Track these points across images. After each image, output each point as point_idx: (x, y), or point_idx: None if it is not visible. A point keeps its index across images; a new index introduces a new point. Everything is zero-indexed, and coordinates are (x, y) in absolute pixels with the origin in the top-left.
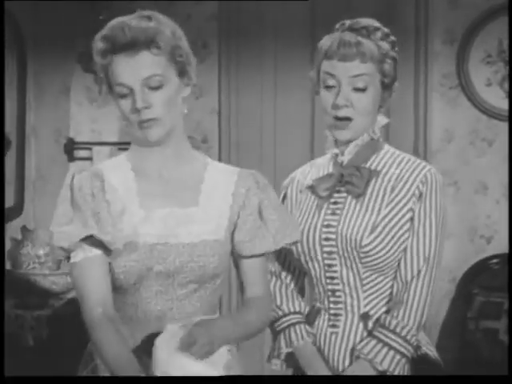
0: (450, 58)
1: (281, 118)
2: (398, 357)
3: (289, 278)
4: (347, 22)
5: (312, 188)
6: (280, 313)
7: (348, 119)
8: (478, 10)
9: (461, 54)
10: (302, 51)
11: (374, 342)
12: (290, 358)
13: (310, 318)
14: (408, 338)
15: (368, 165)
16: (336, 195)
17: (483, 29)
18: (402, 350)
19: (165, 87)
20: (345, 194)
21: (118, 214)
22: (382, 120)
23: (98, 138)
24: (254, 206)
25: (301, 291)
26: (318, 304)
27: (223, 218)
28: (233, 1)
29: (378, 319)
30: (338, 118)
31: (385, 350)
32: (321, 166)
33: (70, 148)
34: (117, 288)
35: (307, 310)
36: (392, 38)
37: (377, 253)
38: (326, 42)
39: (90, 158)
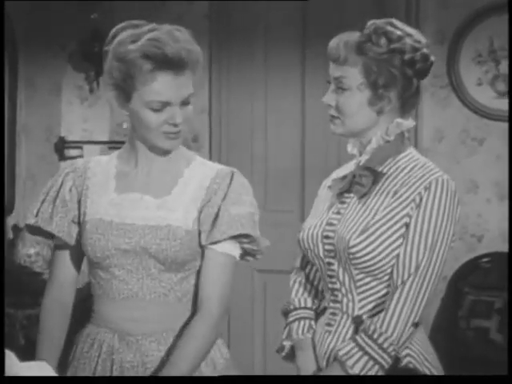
0: (441, 57)
1: (271, 116)
2: (371, 363)
3: (310, 274)
4: (369, 23)
5: (330, 188)
6: (291, 306)
7: (336, 117)
8: (468, 9)
9: (451, 54)
10: (293, 51)
11: (351, 344)
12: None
13: (320, 315)
14: (384, 346)
15: (382, 167)
16: (346, 195)
17: (474, 28)
18: (377, 357)
19: None
20: (352, 195)
21: (93, 197)
22: (404, 123)
23: (89, 137)
24: (218, 199)
25: (318, 289)
26: (325, 302)
27: (193, 209)
28: (224, 1)
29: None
30: (329, 115)
31: (359, 354)
32: (347, 167)
33: (61, 147)
34: (93, 264)
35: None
36: (399, 43)
37: (364, 255)
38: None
39: (80, 157)
